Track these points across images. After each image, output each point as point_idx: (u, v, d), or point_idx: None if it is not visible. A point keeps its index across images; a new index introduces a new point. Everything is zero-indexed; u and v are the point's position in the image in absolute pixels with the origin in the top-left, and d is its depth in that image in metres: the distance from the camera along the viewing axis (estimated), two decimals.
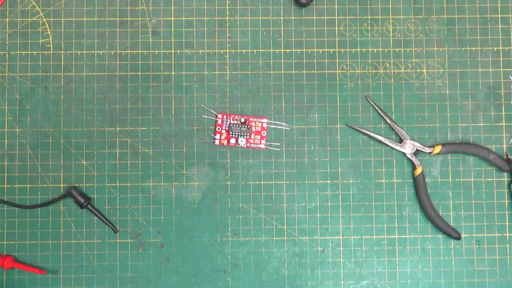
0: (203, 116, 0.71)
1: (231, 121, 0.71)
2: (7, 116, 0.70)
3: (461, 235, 0.70)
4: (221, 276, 0.70)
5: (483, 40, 0.72)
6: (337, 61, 0.72)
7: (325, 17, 0.72)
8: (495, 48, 0.72)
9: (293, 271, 0.70)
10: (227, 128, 0.70)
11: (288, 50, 0.72)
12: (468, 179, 0.71)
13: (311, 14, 0.72)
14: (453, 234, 0.69)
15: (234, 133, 0.70)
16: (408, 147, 0.70)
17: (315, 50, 0.72)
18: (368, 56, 0.72)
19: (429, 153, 0.70)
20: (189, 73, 0.71)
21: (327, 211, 0.70)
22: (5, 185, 0.70)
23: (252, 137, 0.70)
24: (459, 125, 0.71)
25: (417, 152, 0.70)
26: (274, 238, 0.70)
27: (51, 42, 0.71)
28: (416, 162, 0.70)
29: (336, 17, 0.72)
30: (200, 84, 0.71)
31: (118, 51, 0.71)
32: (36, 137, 0.70)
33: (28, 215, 0.70)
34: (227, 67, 0.71)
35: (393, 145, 0.70)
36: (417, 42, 0.72)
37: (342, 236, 0.70)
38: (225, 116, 0.71)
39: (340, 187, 0.70)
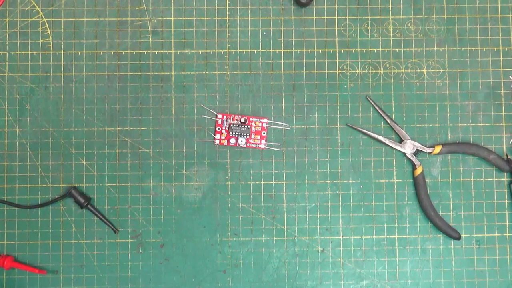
0: (203, 116, 0.71)
1: (231, 121, 0.71)
2: (7, 116, 0.70)
3: (461, 235, 0.70)
4: (221, 276, 0.70)
5: (483, 40, 0.72)
6: (337, 61, 0.72)
7: (325, 17, 0.72)
8: (495, 48, 0.72)
9: (293, 271, 0.70)
10: (227, 128, 0.70)
11: (288, 50, 0.72)
12: (468, 179, 0.71)
13: (311, 14, 0.72)
14: (453, 234, 0.69)
15: (234, 133, 0.70)
16: (408, 147, 0.70)
17: (315, 50, 0.72)
18: (368, 56, 0.72)
19: (429, 153, 0.70)
20: (189, 73, 0.71)
21: (327, 211, 0.70)
22: (5, 185, 0.70)
23: (252, 137, 0.70)
24: (459, 125, 0.71)
25: (417, 152, 0.70)
26: (274, 238, 0.70)
27: (51, 42, 0.71)
28: (416, 162, 0.70)
29: (336, 17, 0.72)
30: (200, 84, 0.71)
31: (118, 51, 0.71)
32: (36, 137, 0.70)
33: (28, 215, 0.70)
34: (227, 67, 0.71)
35: (393, 145, 0.70)
36: (417, 42, 0.72)
37: (342, 236, 0.70)
38: (225, 116, 0.71)
39: (340, 187, 0.70)
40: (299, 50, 0.72)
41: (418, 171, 0.69)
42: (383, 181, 0.71)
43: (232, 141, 0.70)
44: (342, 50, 0.72)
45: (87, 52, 0.71)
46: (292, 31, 0.72)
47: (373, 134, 0.70)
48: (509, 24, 0.72)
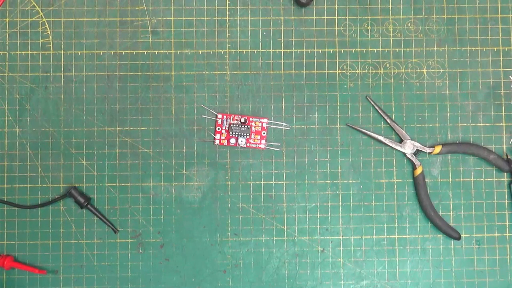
0: (203, 116, 0.71)
1: (231, 121, 0.71)
2: (7, 116, 0.70)
3: (461, 235, 0.70)
4: (221, 276, 0.70)
5: (483, 40, 0.72)
6: (337, 61, 0.72)
7: (325, 17, 0.72)
8: (495, 48, 0.72)
9: (293, 271, 0.70)
10: (227, 128, 0.70)
11: (288, 50, 0.72)
12: (468, 179, 0.71)
13: (311, 14, 0.72)
14: (453, 234, 0.69)
15: (234, 133, 0.70)
16: (408, 147, 0.70)
17: (315, 50, 0.72)
18: (368, 56, 0.72)
19: (429, 153, 0.70)
20: (189, 73, 0.71)
21: (327, 211, 0.70)
22: (5, 185, 0.70)
23: (252, 137, 0.70)
24: (459, 125, 0.71)
25: (417, 152, 0.70)
26: (274, 238, 0.70)
27: (51, 42, 0.71)
28: (416, 162, 0.70)
29: (336, 17, 0.72)
30: (200, 84, 0.71)
31: (118, 51, 0.71)
32: (36, 137, 0.70)
33: (28, 215, 0.70)
34: (227, 67, 0.71)
35: (393, 145, 0.70)
36: (417, 42, 0.72)
37: (342, 236, 0.70)
38: (225, 116, 0.71)
39: (340, 187, 0.70)
40: (299, 50, 0.72)
41: (418, 171, 0.69)
42: (383, 181, 0.71)
43: (232, 141, 0.70)
44: (342, 50, 0.72)
45: (87, 52, 0.71)
46: (292, 31, 0.72)
47: (373, 134, 0.70)
48: (509, 24, 0.72)
